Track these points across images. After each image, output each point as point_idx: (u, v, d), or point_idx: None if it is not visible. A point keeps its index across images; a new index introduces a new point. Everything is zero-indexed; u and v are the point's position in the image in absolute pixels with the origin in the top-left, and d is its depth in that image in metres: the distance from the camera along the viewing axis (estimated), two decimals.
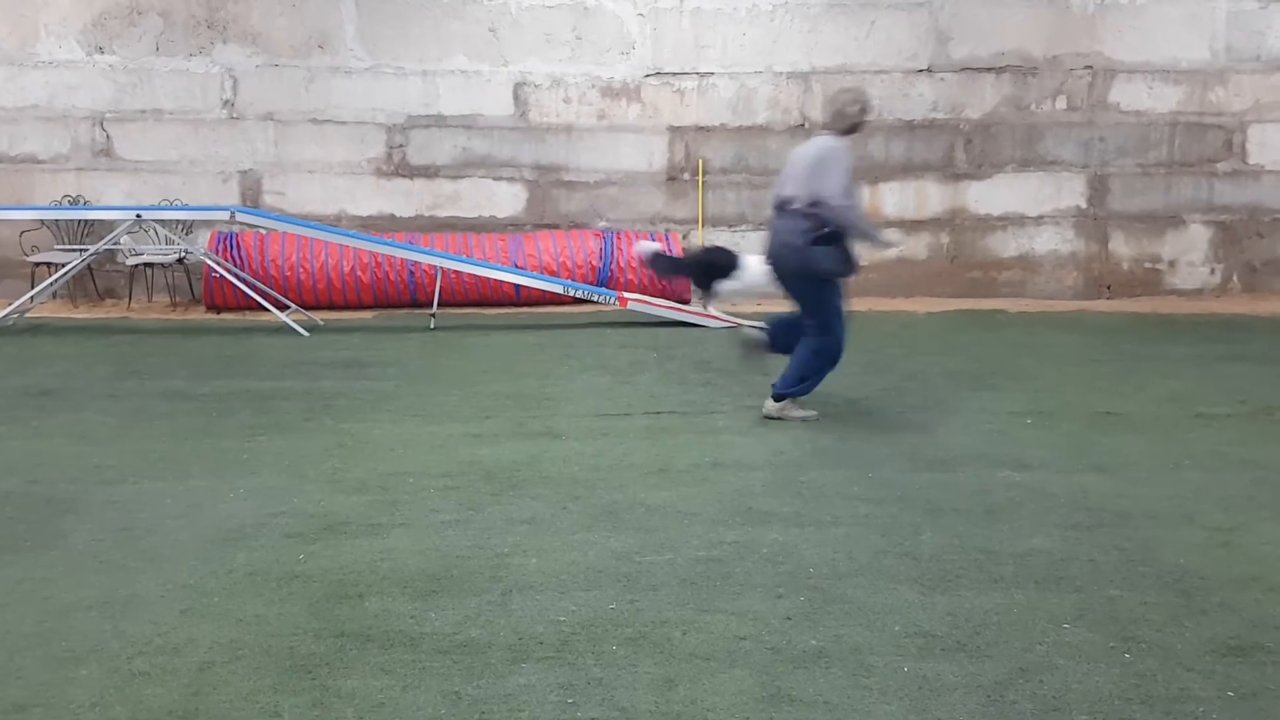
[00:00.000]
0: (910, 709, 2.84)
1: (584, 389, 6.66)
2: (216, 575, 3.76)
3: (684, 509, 4.40)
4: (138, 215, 8.90)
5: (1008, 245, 10.58)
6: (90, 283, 10.10)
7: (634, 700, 2.89)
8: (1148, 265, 10.71)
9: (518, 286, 9.51)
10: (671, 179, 10.42)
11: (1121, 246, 10.66)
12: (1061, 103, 10.46)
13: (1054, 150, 10.51)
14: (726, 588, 3.63)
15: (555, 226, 10.32)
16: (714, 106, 10.35)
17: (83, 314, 9.61)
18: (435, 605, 3.49)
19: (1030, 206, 10.55)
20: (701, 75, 10.31)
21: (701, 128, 10.36)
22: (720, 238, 10.49)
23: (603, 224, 10.19)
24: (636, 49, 10.26)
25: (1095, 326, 9.08)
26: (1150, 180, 10.55)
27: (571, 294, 9.26)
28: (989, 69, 10.39)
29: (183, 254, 9.58)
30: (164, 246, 9.59)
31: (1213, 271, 10.73)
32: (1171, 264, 10.72)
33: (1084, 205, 10.59)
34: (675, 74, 10.30)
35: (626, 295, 9.19)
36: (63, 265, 9.27)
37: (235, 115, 10.16)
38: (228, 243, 9.67)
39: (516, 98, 10.28)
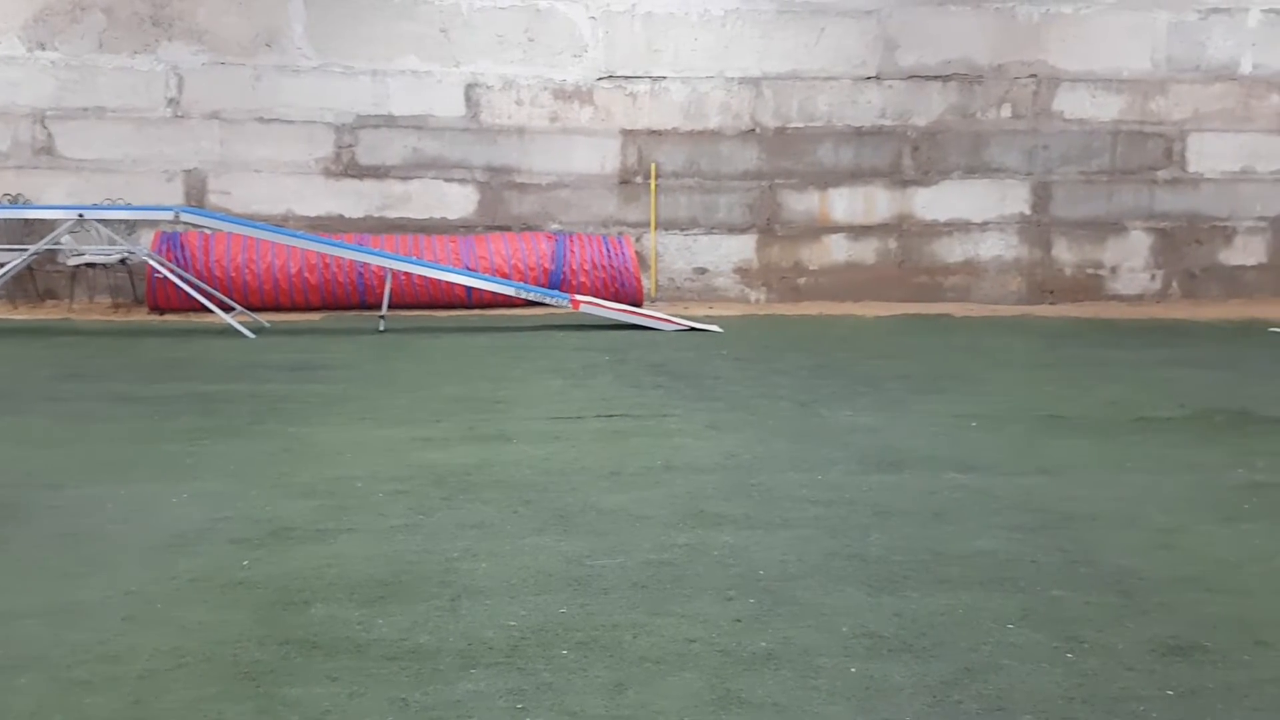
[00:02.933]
0: (857, 709, 2.86)
1: (536, 392, 6.64)
2: (159, 582, 3.69)
3: (636, 512, 4.40)
4: (80, 215, 8.74)
5: (954, 251, 10.72)
6: (30, 283, 9.90)
7: (584, 704, 2.88)
8: (1090, 271, 10.90)
9: (469, 289, 9.47)
10: (624, 182, 10.43)
11: (1064, 253, 10.84)
12: (1006, 111, 10.62)
13: (999, 157, 10.67)
14: (677, 591, 3.64)
15: (507, 228, 10.29)
16: (666, 110, 10.38)
17: (23, 315, 9.41)
18: (383, 611, 3.46)
19: (975, 213, 10.70)
20: (654, 79, 10.33)
21: (654, 131, 10.38)
22: (672, 241, 10.53)
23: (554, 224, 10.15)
24: (589, 52, 10.25)
25: (1039, 331, 9.22)
26: (1092, 188, 10.75)
27: (523, 296, 9.24)
28: (936, 77, 10.52)
29: (126, 254, 9.42)
30: (106, 247, 9.43)
31: (1153, 278, 10.94)
32: (1113, 270, 10.92)
33: (1028, 212, 10.76)
34: (628, 78, 10.31)
35: (579, 298, 9.17)
36: (2, 265, 9.09)
37: (180, 114, 10.01)
38: (172, 243, 9.53)
39: (468, 99, 10.23)
